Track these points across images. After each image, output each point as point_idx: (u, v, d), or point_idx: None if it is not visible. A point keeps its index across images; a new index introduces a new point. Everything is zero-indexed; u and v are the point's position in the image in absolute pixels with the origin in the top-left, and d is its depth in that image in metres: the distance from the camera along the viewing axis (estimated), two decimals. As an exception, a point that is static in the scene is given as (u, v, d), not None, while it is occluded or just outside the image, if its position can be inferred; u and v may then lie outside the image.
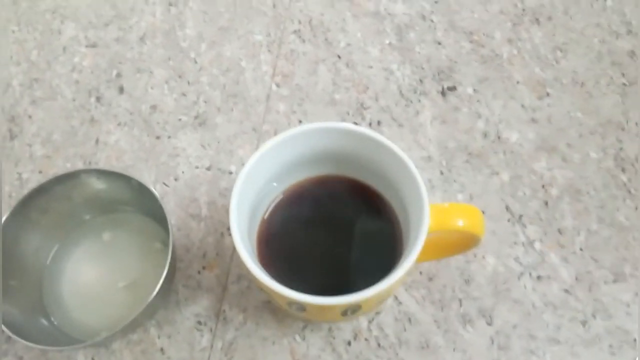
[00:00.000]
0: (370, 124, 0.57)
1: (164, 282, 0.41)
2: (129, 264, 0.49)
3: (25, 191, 0.50)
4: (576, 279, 0.49)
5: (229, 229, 0.49)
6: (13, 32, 0.65)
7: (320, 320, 0.47)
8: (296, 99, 0.59)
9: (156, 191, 0.45)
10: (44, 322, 0.45)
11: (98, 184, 0.47)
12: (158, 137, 0.56)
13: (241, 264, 0.37)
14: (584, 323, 0.47)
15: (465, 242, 0.40)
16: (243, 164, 0.53)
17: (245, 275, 0.50)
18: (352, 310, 0.34)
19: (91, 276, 0.48)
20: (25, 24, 0.65)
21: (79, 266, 0.49)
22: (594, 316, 0.47)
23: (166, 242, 0.49)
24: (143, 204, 0.48)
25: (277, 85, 0.60)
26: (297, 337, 0.47)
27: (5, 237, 0.43)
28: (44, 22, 0.65)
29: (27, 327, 0.42)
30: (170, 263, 0.42)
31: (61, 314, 0.46)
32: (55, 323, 0.45)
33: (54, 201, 0.46)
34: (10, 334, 0.39)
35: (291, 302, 0.34)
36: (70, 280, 0.48)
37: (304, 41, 0.63)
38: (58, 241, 0.49)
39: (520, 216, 0.52)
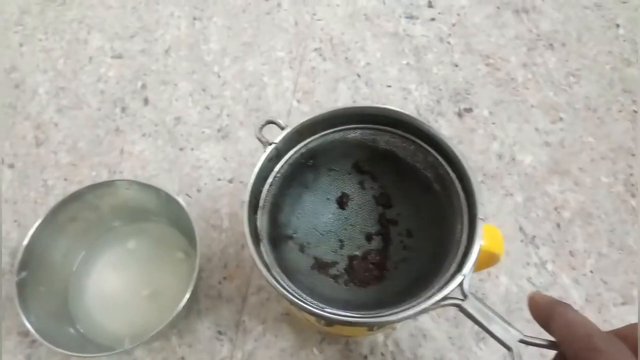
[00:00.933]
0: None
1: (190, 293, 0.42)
2: (152, 272, 0.50)
3: (52, 198, 0.52)
4: (586, 300, 0.50)
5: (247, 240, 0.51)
6: (40, 40, 0.66)
7: (342, 335, 0.48)
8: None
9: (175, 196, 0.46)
10: (70, 328, 0.46)
11: (127, 194, 0.48)
12: (181, 149, 0.58)
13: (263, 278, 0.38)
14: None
15: (485, 261, 0.41)
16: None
17: (265, 286, 0.51)
18: (380, 326, 0.36)
19: (115, 283, 0.50)
20: (52, 33, 0.67)
21: (104, 273, 0.50)
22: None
23: (188, 252, 0.50)
24: (169, 215, 0.49)
25: (298, 102, 0.61)
26: (315, 350, 0.48)
27: (36, 243, 0.45)
28: (70, 31, 0.67)
29: (53, 332, 0.43)
30: (197, 274, 0.43)
31: (86, 320, 0.48)
32: (81, 330, 0.47)
33: (84, 209, 0.47)
34: (37, 337, 0.40)
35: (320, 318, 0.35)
36: (95, 287, 0.49)
37: (324, 59, 0.64)
38: (85, 248, 0.50)
39: (533, 237, 0.53)
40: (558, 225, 0.54)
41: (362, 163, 0.43)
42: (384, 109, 0.39)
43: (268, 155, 0.38)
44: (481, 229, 0.33)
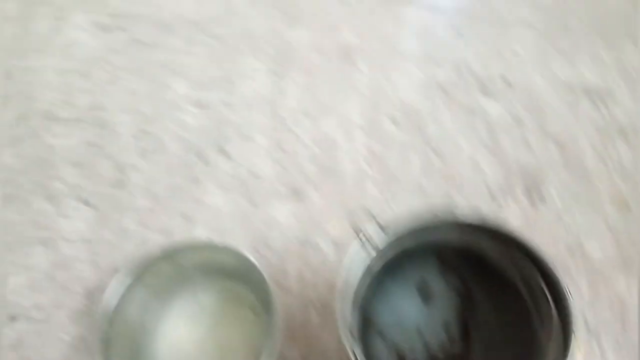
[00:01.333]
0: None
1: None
2: (223, 329, 0.51)
3: (126, 242, 0.53)
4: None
5: (315, 305, 0.52)
6: (125, 80, 0.69)
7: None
8: (386, 183, 0.61)
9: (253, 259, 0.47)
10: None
11: (206, 253, 0.50)
12: (255, 205, 0.59)
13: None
14: None
15: None
16: (332, 241, 0.56)
17: (327, 353, 0.52)
18: None
19: (186, 338, 0.51)
20: (138, 74, 0.69)
21: (176, 327, 0.51)
22: None
23: (258, 312, 0.51)
24: (243, 275, 0.50)
25: (369, 166, 0.62)
26: None
27: (121, 302, 0.46)
28: (155, 74, 0.69)
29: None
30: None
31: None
32: None
33: (166, 265, 0.49)
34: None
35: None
36: (167, 341, 0.50)
37: (398, 126, 0.66)
38: (161, 301, 0.51)
39: (598, 332, 0.53)
40: (622, 322, 0.54)
41: (450, 261, 0.44)
42: (480, 222, 0.39)
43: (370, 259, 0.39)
44: (575, 342, 0.34)
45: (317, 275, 0.56)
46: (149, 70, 0.69)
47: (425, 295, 0.44)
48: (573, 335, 0.35)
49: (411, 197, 0.61)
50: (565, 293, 0.36)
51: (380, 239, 0.38)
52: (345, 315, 0.35)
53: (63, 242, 0.57)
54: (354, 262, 0.38)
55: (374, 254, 0.38)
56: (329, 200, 0.60)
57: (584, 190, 0.61)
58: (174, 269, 0.50)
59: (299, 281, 0.56)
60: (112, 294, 0.46)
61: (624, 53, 0.70)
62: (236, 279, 0.53)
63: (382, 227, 0.39)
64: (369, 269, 0.39)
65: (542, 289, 0.39)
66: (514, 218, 0.59)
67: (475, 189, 0.61)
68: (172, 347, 0.50)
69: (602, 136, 0.65)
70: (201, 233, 0.57)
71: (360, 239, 0.38)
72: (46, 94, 0.67)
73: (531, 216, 0.59)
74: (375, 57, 0.70)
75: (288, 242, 0.58)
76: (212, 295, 0.53)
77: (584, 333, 0.53)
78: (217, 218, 0.59)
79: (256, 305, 0.52)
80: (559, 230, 0.59)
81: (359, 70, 0.70)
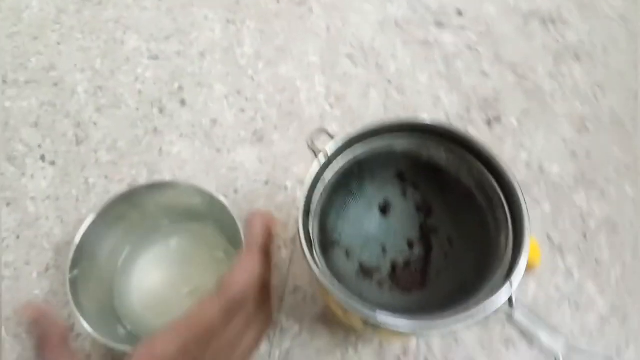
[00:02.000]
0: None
1: None
2: (193, 271, 0.52)
3: (93, 195, 0.53)
4: (611, 308, 0.52)
5: (285, 242, 0.53)
6: (77, 39, 0.67)
7: (381, 337, 0.50)
8: (348, 120, 0.62)
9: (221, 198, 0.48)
10: (118, 325, 0.48)
11: (172, 194, 0.50)
12: (218, 150, 0.59)
13: (301, 277, 0.40)
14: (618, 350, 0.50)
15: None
16: (298, 181, 0.56)
17: (301, 287, 0.53)
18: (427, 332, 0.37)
19: (158, 281, 0.51)
20: (89, 32, 0.68)
21: (147, 271, 0.52)
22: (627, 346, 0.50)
23: (228, 252, 0.52)
24: (212, 215, 0.51)
25: (331, 106, 0.63)
26: (350, 350, 0.50)
27: (86, 241, 0.46)
28: (107, 31, 0.68)
29: (104, 330, 0.44)
30: None
31: (131, 318, 0.49)
32: (128, 327, 0.48)
33: (132, 209, 0.49)
34: (96, 335, 0.42)
35: (368, 322, 0.37)
36: (139, 285, 0.51)
37: (356, 65, 0.66)
38: (129, 246, 0.52)
39: (561, 246, 0.55)
40: (584, 235, 0.56)
41: (405, 172, 0.45)
42: (433, 123, 0.40)
43: (321, 164, 0.39)
44: (529, 242, 0.35)
45: (284, 213, 0.57)
46: (100, 27, 0.68)
47: (384, 209, 0.45)
48: (525, 236, 0.36)
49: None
50: (517, 191, 0.37)
51: (330, 147, 0.39)
52: (301, 224, 0.36)
53: (28, 201, 0.56)
54: (311, 178, 0.39)
55: (324, 161, 0.39)
56: (292, 141, 0.60)
57: (541, 113, 0.63)
58: (138, 211, 0.50)
59: (268, 220, 0.56)
60: (78, 240, 0.46)
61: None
62: (204, 219, 0.53)
63: (331, 136, 0.40)
64: (322, 179, 0.39)
65: (497, 193, 0.39)
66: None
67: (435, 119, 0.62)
68: (143, 290, 0.51)
69: (555, 59, 0.66)
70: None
71: (315, 155, 0.39)
72: (-3, 59, 0.66)
73: (490, 139, 0.60)
74: (329, -1, 0.70)
75: (254, 184, 0.58)
76: (181, 237, 0.53)
77: (549, 249, 0.55)
78: (181, 167, 0.59)
79: (226, 245, 0.52)
80: (519, 152, 0.60)
81: (314, 13, 0.69)
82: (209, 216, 0.52)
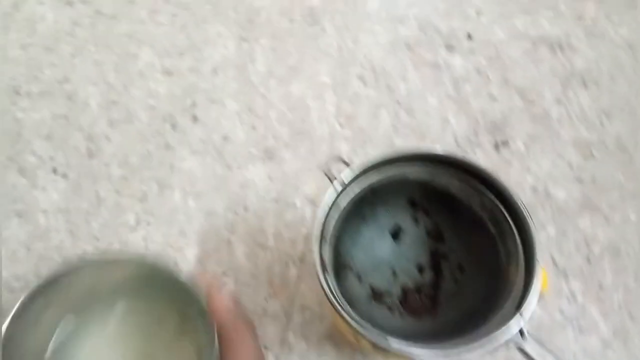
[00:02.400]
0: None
1: None
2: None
3: (103, 209, 0.54)
4: (614, 333, 0.53)
5: (294, 260, 0.53)
6: (91, 52, 0.68)
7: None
8: (358, 140, 0.63)
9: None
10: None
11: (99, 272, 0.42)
12: (229, 167, 0.60)
13: (310, 298, 0.40)
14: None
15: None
16: (307, 199, 0.57)
17: (309, 306, 0.53)
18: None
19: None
20: (103, 46, 0.69)
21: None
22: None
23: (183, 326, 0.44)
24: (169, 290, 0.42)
25: (341, 126, 0.64)
26: (357, 370, 0.50)
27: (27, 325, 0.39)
28: (121, 45, 0.69)
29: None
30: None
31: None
32: None
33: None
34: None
35: (379, 346, 0.37)
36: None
37: (366, 85, 0.67)
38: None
39: (565, 270, 0.56)
40: (588, 259, 0.56)
41: (418, 199, 0.45)
42: (446, 154, 0.41)
43: (337, 191, 0.40)
44: (540, 273, 0.36)
45: (294, 232, 0.57)
46: (114, 41, 0.69)
47: (396, 234, 0.46)
48: (537, 268, 0.37)
49: (382, 150, 0.62)
50: (529, 223, 0.38)
51: (346, 175, 0.40)
52: (317, 250, 0.37)
53: (39, 213, 0.57)
54: (326, 204, 0.39)
55: (340, 188, 0.39)
56: (303, 160, 0.61)
57: (548, 138, 0.64)
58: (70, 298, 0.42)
59: (277, 239, 0.57)
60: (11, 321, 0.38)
61: (580, 3, 0.72)
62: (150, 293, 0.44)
63: (347, 163, 0.40)
64: (336, 204, 0.40)
65: (509, 224, 0.40)
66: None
67: (444, 141, 0.63)
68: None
69: (563, 85, 0.67)
70: (178, 197, 0.58)
71: (331, 181, 0.40)
72: (12, 70, 0.66)
73: (497, 163, 0.61)
74: (340, 19, 0.71)
75: (264, 202, 0.59)
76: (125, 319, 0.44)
77: (553, 273, 0.56)
78: (192, 183, 0.59)
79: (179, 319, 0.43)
80: (525, 176, 0.61)
81: (326, 33, 0.70)
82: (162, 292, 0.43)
